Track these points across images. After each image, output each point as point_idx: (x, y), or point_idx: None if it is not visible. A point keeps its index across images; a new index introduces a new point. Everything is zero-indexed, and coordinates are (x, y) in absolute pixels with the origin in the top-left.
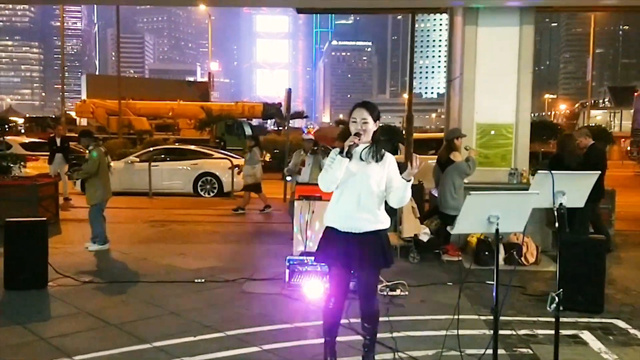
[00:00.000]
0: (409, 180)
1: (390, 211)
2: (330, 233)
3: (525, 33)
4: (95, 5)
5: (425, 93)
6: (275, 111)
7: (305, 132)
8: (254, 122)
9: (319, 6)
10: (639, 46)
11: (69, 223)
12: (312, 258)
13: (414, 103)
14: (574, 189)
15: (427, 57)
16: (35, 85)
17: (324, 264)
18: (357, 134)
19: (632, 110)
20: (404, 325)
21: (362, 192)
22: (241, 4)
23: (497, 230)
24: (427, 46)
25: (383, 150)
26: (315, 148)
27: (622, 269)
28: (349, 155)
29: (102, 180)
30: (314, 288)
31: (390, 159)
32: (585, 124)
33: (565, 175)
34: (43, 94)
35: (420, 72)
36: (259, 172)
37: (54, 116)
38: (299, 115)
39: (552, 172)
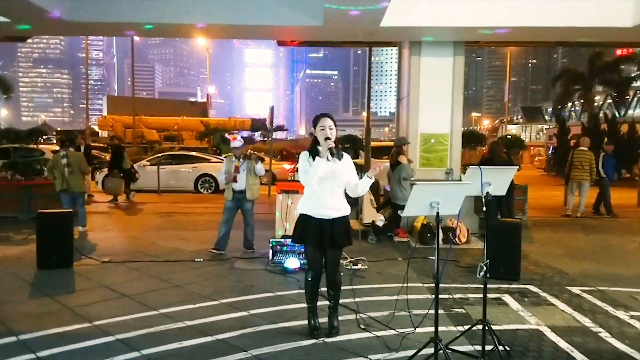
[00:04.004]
0: (370, 178)
1: (352, 202)
2: (305, 219)
3: (458, 62)
4: (114, 40)
5: (380, 112)
6: (261, 125)
7: (230, 138)
8: (244, 134)
9: (295, 39)
10: (544, 75)
11: (91, 215)
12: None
13: (371, 119)
14: (497, 180)
15: (381, 83)
16: (65, 104)
17: (300, 244)
18: (329, 139)
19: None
20: (364, 292)
21: (334, 186)
22: (231, 37)
23: (437, 213)
24: (381, 75)
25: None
26: (248, 153)
27: (534, 246)
28: (334, 156)
29: (56, 176)
30: (292, 264)
31: (348, 158)
32: (504, 135)
33: (490, 169)
34: (71, 112)
35: (376, 95)
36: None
37: (79, 129)
38: (280, 128)
39: (480, 166)
